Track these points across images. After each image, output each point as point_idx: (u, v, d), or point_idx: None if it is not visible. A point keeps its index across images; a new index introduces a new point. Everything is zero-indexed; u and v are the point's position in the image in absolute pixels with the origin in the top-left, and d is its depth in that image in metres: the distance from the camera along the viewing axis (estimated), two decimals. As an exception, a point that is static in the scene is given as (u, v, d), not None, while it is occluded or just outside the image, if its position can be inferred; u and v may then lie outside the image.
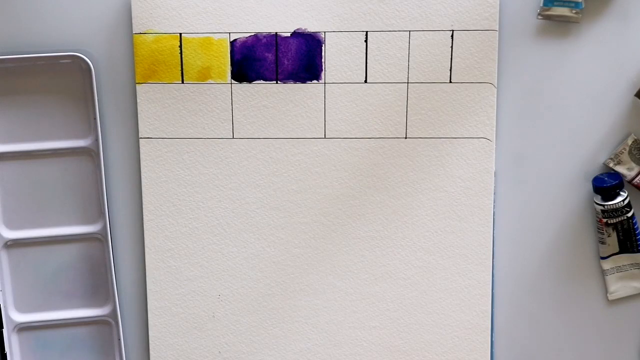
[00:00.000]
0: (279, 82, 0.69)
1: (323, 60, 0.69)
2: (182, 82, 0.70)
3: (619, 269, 0.71)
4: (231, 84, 0.70)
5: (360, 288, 0.72)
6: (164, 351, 0.73)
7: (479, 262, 0.71)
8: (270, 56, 0.69)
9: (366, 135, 0.70)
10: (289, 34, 0.69)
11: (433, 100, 0.69)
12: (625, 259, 0.71)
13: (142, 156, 0.71)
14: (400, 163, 0.70)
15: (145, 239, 0.72)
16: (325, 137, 0.70)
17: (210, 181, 0.71)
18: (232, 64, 0.69)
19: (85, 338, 0.75)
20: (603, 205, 0.69)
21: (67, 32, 0.70)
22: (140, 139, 0.71)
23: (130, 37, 0.70)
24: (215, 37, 0.69)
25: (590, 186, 0.70)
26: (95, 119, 0.71)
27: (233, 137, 0.70)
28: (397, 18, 0.68)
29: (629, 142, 0.69)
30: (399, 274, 0.71)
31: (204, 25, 0.69)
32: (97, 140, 0.71)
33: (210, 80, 0.70)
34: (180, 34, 0.69)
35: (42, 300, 0.74)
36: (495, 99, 0.69)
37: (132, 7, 0.69)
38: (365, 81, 0.69)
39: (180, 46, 0.69)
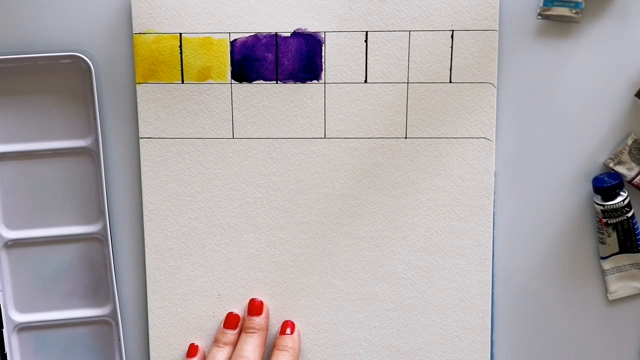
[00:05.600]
0: (279, 82, 0.70)
1: (323, 60, 0.69)
2: (182, 82, 0.70)
3: (619, 269, 0.71)
4: (231, 84, 0.70)
5: (360, 288, 0.72)
6: (164, 351, 0.73)
7: (479, 262, 0.71)
8: (270, 56, 0.69)
9: (366, 135, 0.70)
10: (289, 34, 0.69)
11: (433, 100, 0.69)
12: (625, 259, 0.71)
13: (142, 156, 0.71)
14: (400, 163, 0.70)
15: (145, 239, 0.72)
16: (325, 137, 0.70)
17: (210, 181, 0.71)
18: (232, 64, 0.69)
19: (85, 338, 0.75)
20: (603, 205, 0.69)
21: (67, 32, 0.70)
22: (140, 139, 0.71)
23: (130, 37, 0.70)
24: (215, 37, 0.69)
25: (590, 186, 0.70)
26: (95, 119, 0.71)
27: (233, 137, 0.70)
28: (397, 18, 0.68)
29: (629, 142, 0.69)
30: (399, 274, 0.71)
31: (204, 25, 0.69)
32: (97, 140, 0.71)
33: (210, 80, 0.70)
34: (180, 34, 0.69)
35: (42, 300, 0.74)
36: (495, 99, 0.69)
37: (132, 7, 0.69)
38: (365, 81, 0.69)
39: (180, 46, 0.69)
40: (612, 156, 0.70)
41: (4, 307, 0.73)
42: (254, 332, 0.70)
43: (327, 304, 0.72)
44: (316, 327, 0.73)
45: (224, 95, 0.70)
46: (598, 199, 0.69)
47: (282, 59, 0.69)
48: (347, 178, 0.71)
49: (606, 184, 0.68)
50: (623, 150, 0.69)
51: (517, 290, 0.73)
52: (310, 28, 0.69)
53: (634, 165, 0.69)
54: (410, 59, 0.68)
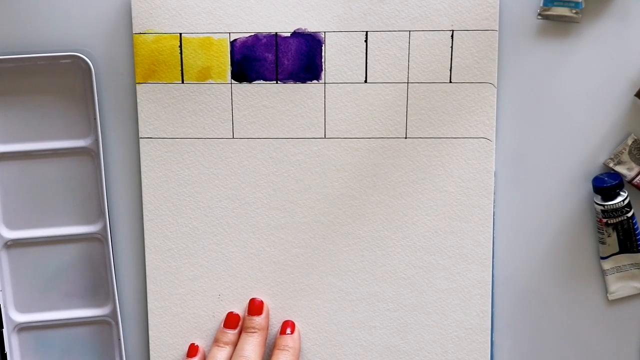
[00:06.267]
0: (279, 82, 0.70)
1: (323, 60, 0.69)
2: (182, 82, 0.70)
3: (619, 269, 0.71)
4: (231, 84, 0.70)
5: (360, 288, 0.72)
6: (164, 351, 0.73)
7: (479, 262, 0.71)
8: (270, 56, 0.69)
9: (366, 135, 0.70)
10: (289, 34, 0.69)
11: (433, 100, 0.69)
12: (625, 259, 0.71)
13: (142, 156, 0.71)
14: (400, 163, 0.70)
15: (145, 239, 0.72)
16: (325, 137, 0.70)
17: (210, 181, 0.71)
18: (232, 64, 0.69)
19: (85, 338, 0.75)
20: (603, 205, 0.69)
21: (67, 32, 0.70)
22: (140, 139, 0.71)
23: (130, 37, 0.70)
24: (215, 37, 0.69)
25: (590, 186, 0.70)
26: (95, 119, 0.71)
27: (233, 137, 0.70)
28: (397, 18, 0.68)
29: (629, 142, 0.69)
30: (399, 274, 0.71)
31: (204, 25, 0.69)
32: (97, 140, 0.71)
33: (210, 80, 0.70)
34: (180, 34, 0.69)
35: (42, 300, 0.74)
36: (495, 99, 0.69)
37: (132, 7, 0.69)
38: (365, 81, 0.69)
39: (180, 46, 0.69)
40: (612, 156, 0.70)
41: (4, 307, 0.73)
42: (255, 332, 0.70)
43: (327, 304, 0.72)
44: (316, 327, 0.73)
45: (224, 95, 0.70)
46: (598, 199, 0.69)
47: (282, 59, 0.69)
48: (347, 178, 0.71)
49: (606, 184, 0.68)
50: (623, 150, 0.69)
51: (517, 290, 0.73)
52: (310, 28, 0.69)
53: (634, 165, 0.69)
54: (410, 59, 0.68)
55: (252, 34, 0.69)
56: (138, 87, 0.70)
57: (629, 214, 0.69)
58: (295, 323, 0.72)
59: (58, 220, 0.73)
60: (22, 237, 0.73)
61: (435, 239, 0.71)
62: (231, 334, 0.71)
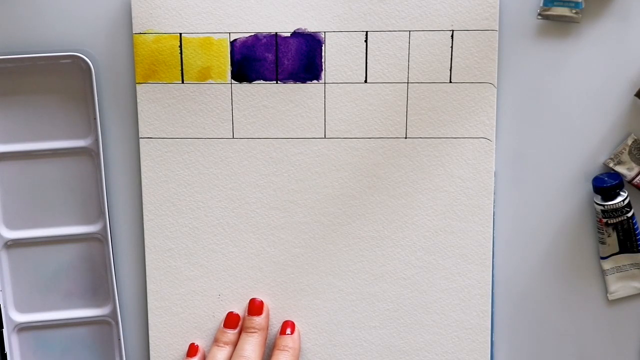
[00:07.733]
0: (279, 82, 0.70)
1: (323, 60, 0.69)
2: (182, 82, 0.70)
3: (619, 269, 0.71)
4: (231, 84, 0.70)
5: (360, 288, 0.72)
6: (164, 351, 0.73)
7: (479, 262, 0.71)
8: (270, 56, 0.69)
9: (366, 135, 0.70)
10: (289, 34, 0.69)
11: (433, 100, 0.69)
12: (625, 259, 0.71)
13: (142, 156, 0.71)
14: (400, 163, 0.70)
15: (145, 239, 0.72)
16: (325, 137, 0.70)
17: (210, 181, 0.71)
18: (232, 64, 0.69)
19: (85, 338, 0.75)
20: (603, 205, 0.69)
21: (67, 32, 0.70)
22: (140, 139, 0.71)
23: (130, 37, 0.70)
24: (215, 37, 0.69)
25: (590, 186, 0.70)
26: (95, 119, 0.71)
27: (233, 137, 0.70)
28: (397, 18, 0.68)
29: (629, 142, 0.69)
30: (399, 274, 0.71)
31: (204, 25, 0.69)
32: (97, 140, 0.71)
33: (210, 80, 0.70)
34: (180, 34, 0.69)
35: (42, 300, 0.74)
36: (495, 99, 0.69)
37: (132, 7, 0.69)
38: (365, 81, 0.69)
39: (180, 46, 0.69)
40: (612, 156, 0.70)
41: (4, 307, 0.73)
42: (255, 332, 0.70)
43: (327, 304, 0.72)
44: (316, 327, 0.73)
45: (224, 95, 0.70)
46: (598, 199, 0.69)
47: (282, 59, 0.69)
48: (347, 178, 0.71)
49: (606, 184, 0.68)
50: (623, 150, 0.69)
51: (517, 290, 0.73)
52: (310, 28, 0.69)
53: (634, 165, 0.69)
54: (410, 59, 0.68)
55: (252, 34, 0.69)
56: (138, 87, 0.70)
57: (629, 214, 0.69)
58: (295, 323, 0.72)
59: (58, 220, 0.73)
60: (22, 237, 0.73)
61: (435, 239, 0.71)
62: (231, 333, 0.71)
